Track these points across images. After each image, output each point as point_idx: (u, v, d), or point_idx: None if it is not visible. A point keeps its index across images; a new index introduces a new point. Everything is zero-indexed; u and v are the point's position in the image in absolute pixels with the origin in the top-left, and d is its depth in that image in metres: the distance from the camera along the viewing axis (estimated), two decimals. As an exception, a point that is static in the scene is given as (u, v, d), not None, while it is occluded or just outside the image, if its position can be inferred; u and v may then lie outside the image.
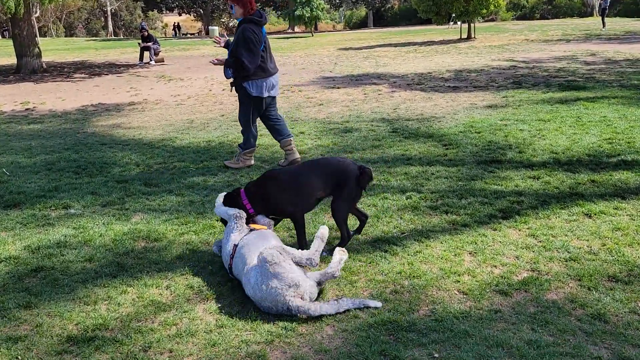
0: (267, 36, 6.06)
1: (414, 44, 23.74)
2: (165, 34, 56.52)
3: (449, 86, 11.64)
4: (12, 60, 19.54)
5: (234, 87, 5.98)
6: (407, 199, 4.90)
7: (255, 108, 5.99)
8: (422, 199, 4.90)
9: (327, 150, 6.80)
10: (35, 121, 9.96)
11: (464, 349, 2.74)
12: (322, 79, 13.70)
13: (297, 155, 6.22)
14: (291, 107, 10.07)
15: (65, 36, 59.96)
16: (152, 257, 3.93)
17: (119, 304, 3.29)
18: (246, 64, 5.55)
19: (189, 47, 29.37)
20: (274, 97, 6.05)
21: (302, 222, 3.91)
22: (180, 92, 12.90)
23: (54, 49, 29.87)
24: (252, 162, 6.25)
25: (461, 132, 7.35)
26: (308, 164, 4.33)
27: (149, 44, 20.20)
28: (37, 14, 23.23)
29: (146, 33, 20.49)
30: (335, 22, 71.75)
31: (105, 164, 6.49)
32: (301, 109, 9.83)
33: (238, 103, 6.15)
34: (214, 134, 8.02)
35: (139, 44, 20.74)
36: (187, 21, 72.70)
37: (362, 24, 57.69)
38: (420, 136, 7.27)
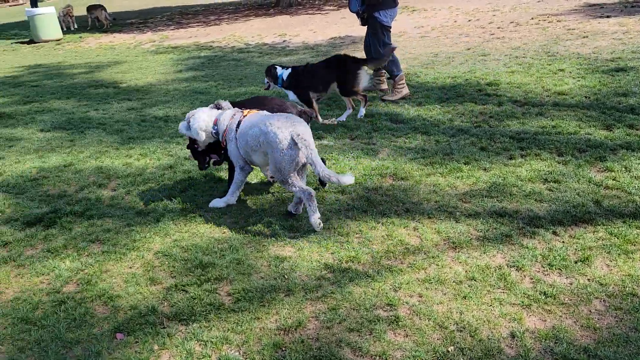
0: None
1: None
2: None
3: None
4: (272, -6, 21.33)
5: (361, 20, 6.38)
6: None
7: (385, 35, 6.35)
8: None
9: (593, 92, 5.91)
10: (292, 52, 10.77)
11: None
12: (587, 7, 11.87)
13: (386, 86, 6.73)
14: (548, 40, 8.98)
15: (315, -31, 63.11)
16: (399, 196, 3.93)
17: (369, 239, 3.39)
18: None
19: (433, -26, 28.30)
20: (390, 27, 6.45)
21: None
22: (423, 23, 12.55)
23: (306, -18, 31.71)
24: (406, 89, 6.52)
25: None
26: None
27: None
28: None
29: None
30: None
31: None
32: (560, 42, 8.70)
33: (365, 34, 6.51)
34: (460, 69, 7.62)
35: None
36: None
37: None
38: None
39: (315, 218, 3.48)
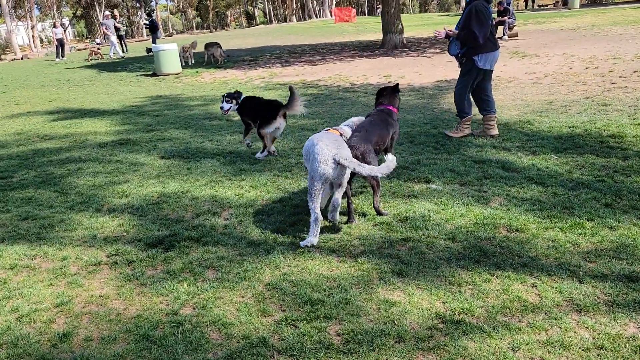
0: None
1: None
2: (517, 5, 54.55)
3: None
4: (379, 36, 21.77)
5: (460, 63, 6.44)
6: None
7: (476, 80, 6.40)
8: None
9: None
10: (397, 94, 10.82)
11: None
12: None
13: (496, 132, 6.54)
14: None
15: (419, 12, 63.79)
16: (515, 249, 3.75)
17: (483, 292, 3.24)
18: (477, 34, 5.99)
19: (545, 19, 27.52)
20: (492, 71, 6.47)
21: None
22: (535, 69, 12.17)
23: (411, 25, 32.07)
24: (469, 130, 6.46)
25: None
26: None
27: (505, 18, 19.69)
28: (402, -7, 25.08)
29: (502, 7, 19.97)
30: None
31: (462, 143, 6.56)
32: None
33: (459, 74, 6.54)
34: (578, 119, 7.25)
35: (494, 18, 20.42)
36: (542, -9, 68.23)
37: None
38: None
39: (310, 240, 3.94)
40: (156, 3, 64.61)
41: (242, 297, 3.36)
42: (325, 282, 3.45)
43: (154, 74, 17.29)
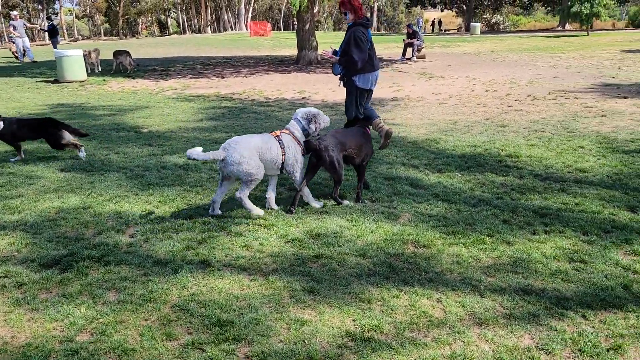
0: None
1: None
2: (424, 29, 57.39)
3: None
4: (294, 51, 21.99)
5: (342, 82, 6.83)
6: None
7: (360, 98, 6.74)
8: None
9: (614, 171, 5.91)
10: (311, 110, 10.94)
11: None
12: (603, 86, 12.11)
13: (387, 127, 6.86)
14: (566, 116, 9.10)
15: (333, 30, 65.33)
16: (422, 265, 3.87)
17: (392, 308, 3.30)
18: (355, 59, 6.40)
19: (450, 43, 29.16)
20: (372, 91, 6.82)
21: None
22: (441, 90, 12.81)
23: (325, 41, 32.68)
24: (386, 126, 6.78)
25: None
26: None
27: (413, 40, 20.61)
28: (316, 9, 25.59)
29: (412, 30, 20.93)
30: (615, 19, 63.38)
31: (373, 160, 6.72)
32: (578, 119, 8.81)
33: (345, 94, 6.89)
34: (479, 139, 7.69)
35: (403, 40, 21.32)
36: (447, 17, 72.42)
37: (650, 22, 49.75)
38: None
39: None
40: (60, 6, 61.21)
41: (146, 320, 3.19)
42: (235, 302, 3.36)
43: (56, 81, 16.30)
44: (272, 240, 4.30)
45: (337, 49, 6.83)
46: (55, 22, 23.04)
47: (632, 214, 4.71)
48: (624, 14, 65.60)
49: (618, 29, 44.68)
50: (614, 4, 47.19)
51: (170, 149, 7.45)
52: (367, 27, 6.64)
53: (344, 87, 6.88)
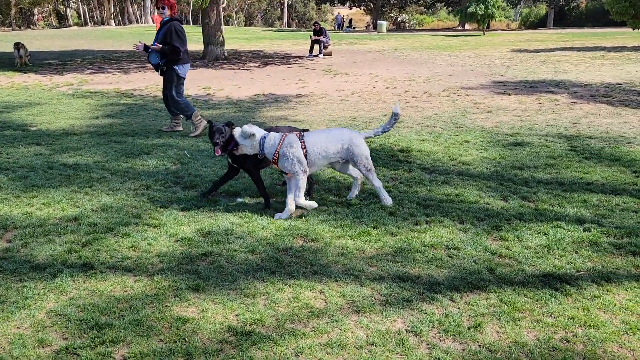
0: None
1: (602, 48, 21.41)
2: (334, 27, 58.38)
3: (641, 101, 10.29)
4: (201, 47, 21.53)
5: (161, 70, 7.73)
6: (584, 232, 4.39)
7: (179, 86, 7.81)
8: (604, 233, 4.35)
9: (493, 163, 6.39)
10: (214, 107, 10.84)
11: None
12: (492, 84, 12.98)
13: (181, 128, 8.10)
14: (456, 112, 9.68)
15: (245, 25, 64.69)
16: (309, 258, 3.99)
17: (275, 301, 3.39)
18: (179, 49, 7.50)
19: (357, 41, 29.86)
20: (185, 78, 7.94)
21: None
22: (345, 87, 13.13)
23: (234, 37, 32.36)
24: (204, 121, 7.73)
25: (655, 158, 6.42)
26: None
27: (320, 37, 20.91)
28: (224, 4, 25.23)
29: (318, 27, 21.21)
30: (510, 20, 67.84)
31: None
32: (467, 115, 9.40)
33: (163, 85, 7.93)
34: (376, 134, 7.98)
35: (310, 37, 21.57)
36: (357, 14, 74.06)
37: (540, 24, 53.74)
38: (604, 158, 6.50)
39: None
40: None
41: (18, 327, 3.06)
42: (117, 304, 3.31)
43: None
44: (161, 240, 4.25)
45: (146, 44, 7.72)
46: None
47: (504, 203, 5.13)
48: (517, 15, 70.34)
49: (511, 30, 47.88)
50: (508, 5, 50.51)
51: (60, 148, 7.09)
52: (181, 22, 7.87)
53: (162, 75, 7.86)
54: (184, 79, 7.88)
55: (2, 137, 7.76)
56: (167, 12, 7.64)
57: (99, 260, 3.88)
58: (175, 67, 7.68)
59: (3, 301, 3.31)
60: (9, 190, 5.39)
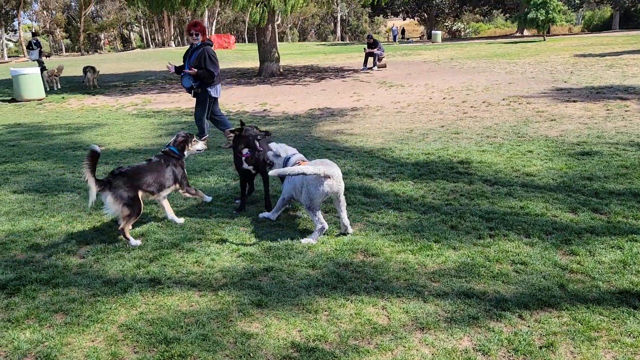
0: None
1: (671, 50, 20.28)
2: (387, 38, 58.29)
3: None
4: (257, 63, 22.04)
5: (194, 92, 8.13)
6: (663, 245, 4.13)
7: (210, 107, 8.24)
8: (685, 247, 4.08)
9: (560, 174, 6.14)
10: (272, 122, 11.02)
11: None
12: (555, 91, 12.53)
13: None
14: (518, 121, 9.40)
15: (299, 41, 65.69)
16: (370, 273, 3.96)
17: (337, 317, 3.38)
18: (213, 73, 7.95)
19: (411, 51, 29.67)
20: (218, 98, 8.40)
21: None
22: (400, 99, 13.05)
23: (289, 53, 32.93)
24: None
25: None
26: None
27: (374, 50, 20.93)
28: (278, 22, 25.70)
29: (372, 40, 21.25)
30: (572, 24, 65.50)
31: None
32: (529, 124, 9.11)
33: (196, 104, 8.34)
34: (433, 146, 7.88)
35: (364, 49, 21.62)
36: (410, 25, 73.69)
37: (604, 27, 51.60)
38: (680, 166, 6.12)
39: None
40: (19, 23, 59.97)
41: (93, 341, 3.19)
42: (184, 319, 3.39)
43: (13, 100, 15.99)
44: (224, 255, 4.34)
45: (176, 65, 8.17)
46: (35, 39, 22.62)
47: (573, 215, 4.91)
48: (580, 19, 67.85)
49: (574, 34, 46.18)
50: (569, 9, 48.77)
51: (127, 167, 7.40)
52: (212, 46, 8.24)
53: (194, 97, 8.23)
54: (217, 99, 8.35)
55: (74, 158, 8.18)
56: (201, 37, 8.03)
57: (165, 276, 4.00)
58: (209, 89, 8.09)
59: (78, 315, 3.46)
60: (82, 207, 5.67)
